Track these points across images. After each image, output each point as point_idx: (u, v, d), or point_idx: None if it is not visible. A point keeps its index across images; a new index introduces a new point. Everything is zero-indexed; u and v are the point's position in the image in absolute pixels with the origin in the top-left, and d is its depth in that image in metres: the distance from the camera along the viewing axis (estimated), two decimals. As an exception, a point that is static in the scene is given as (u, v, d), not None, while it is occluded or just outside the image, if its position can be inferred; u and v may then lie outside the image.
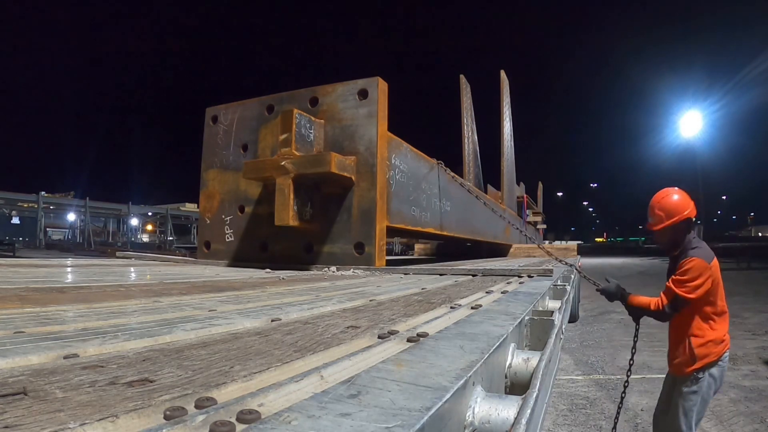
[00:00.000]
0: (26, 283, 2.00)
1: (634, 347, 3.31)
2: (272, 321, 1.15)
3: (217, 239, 4.67)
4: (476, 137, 10.91)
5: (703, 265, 2.67)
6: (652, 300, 2.85)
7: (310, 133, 3.90)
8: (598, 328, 8.21)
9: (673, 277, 2.77)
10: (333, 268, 3.68)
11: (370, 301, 1.65)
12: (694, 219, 2.82)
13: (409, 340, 0.90)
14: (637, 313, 2.98)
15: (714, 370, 2.75)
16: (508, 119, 13.68)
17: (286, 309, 1.38)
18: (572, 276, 3.71)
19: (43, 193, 35.29)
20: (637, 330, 3.28)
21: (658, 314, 2.83)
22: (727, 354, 2.80)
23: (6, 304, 1.31)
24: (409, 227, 4.68)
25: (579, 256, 10.25)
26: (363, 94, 3.97)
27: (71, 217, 40.18)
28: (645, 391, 4.80)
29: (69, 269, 3.25)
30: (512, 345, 1.08)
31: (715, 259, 2.78)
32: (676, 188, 2.92)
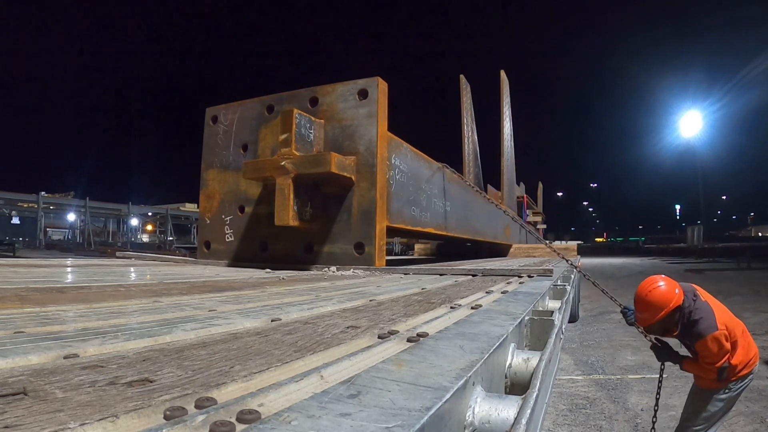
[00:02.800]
0: (26, 283, 2.00)
1: (658, 392, 3.36)
2: (272, 321, 1.15)
3: (217, 239, 4.67)
4: (476, 137, 10.91)
5: (716, 336, 2.73)
6: (705, 371, 2.91)
7: (310, 133, 3.90)
8: (598, 328, 8.21)
9: (704, 363, 2.84)
10: (333, 268, 3.68)
11: (370, 301, 1.65)
12: (680, 308, 2.88)
13: (409, 340, 0.90)
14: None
15: (744, 381, 2.85)
16: (508, 119, 13.68)
17: (286, 309, 1.38)
18: (572, 276, 3.72)
19: (43, 193, 35.28)
20: (661, 372, 3.34)
21: (713, 382, 2.92)
22: (756, 367, 2.89)
23: (6, 304, 1.31)
24: (409, 227, 4.68)
25: (579, 256, 10.26)
26: (363, 94, 3.97)
27: (71, 217, 40.16)
28: (645, 391, 4.80)
29: (69, 269, 3.25)
30: (512, 345, 1.08)
31: (716, 310, 2.83)
32: (660, 278, 2.99)
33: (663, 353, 3.13)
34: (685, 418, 3.03)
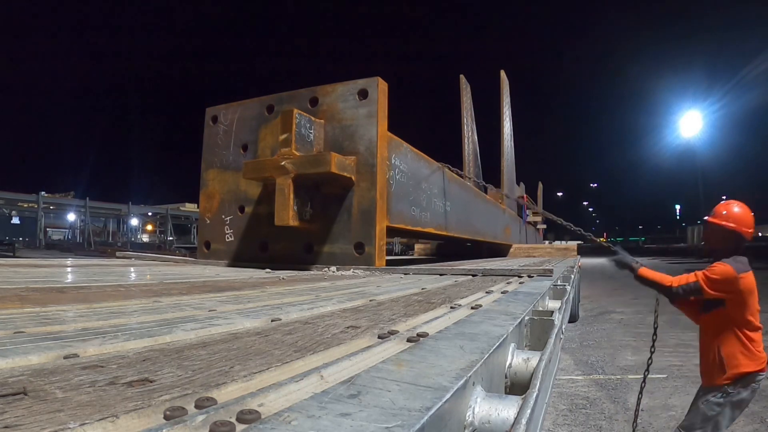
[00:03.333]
0: (26, 283, 2.00)
1: (654, 333, 3.29)
2: (272, 321, 1.15)
3: (217, 239, 4.67)
4: (476, 137, 10.92)
5: (730, 273, 2.72)
6: (666, 277, 2.92)
7: (310, 133, 3.90)
8: (598, 328, 8.21)
9: (704, 270, 2.84)
10: (333, 268, 3.68)
11: (370, 301, 1.65)
12: (745, 241, 2.88)
13: (409, 340, 0.90)
14: (646, 284, 3.02)
15: (745, 390, 2.73)
16: (508, 119, 13.68)
17: (286, 309, 1.38)
18: (572, 276, 3.72)
19: (43, 193, 35.28)
20: (656, 318, 3.27)
21: (667, 291, 2.90)
22: (762, 376, 2.76)
23: (6, 304, 1.31)
24: (409, 227, 4.68)
25: (579, 256, 10.26)
26: (363, 94, 3.97)
27: (71, 217, 40.19)
28: (645, 391, 4.80)
29: (69, 269, 3.25)
30: (512, 345, 1.08)
31: (751, 273, 2.80)
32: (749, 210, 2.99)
33: (621, 261, 3.11)
34: (683, 420, 3.02)
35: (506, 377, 1.01)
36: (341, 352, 0.82)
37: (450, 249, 11.63)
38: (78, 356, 0.72)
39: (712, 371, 2.84)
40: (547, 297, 2.20)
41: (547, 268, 3.23)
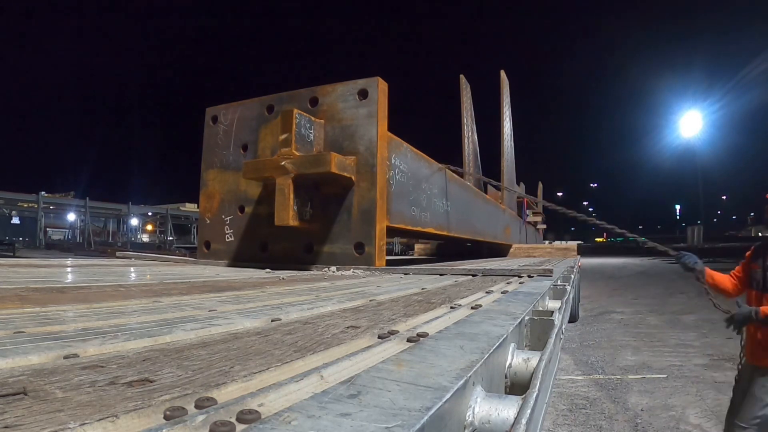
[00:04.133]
0: (26, 283, 2.00)
1: (742, 351, 3.18)
2: (272, 321, 1.15)
3: (217, 239, 4.67)
4: (476, 137, 10.92)
5: None
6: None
7: (310, 133, 3.90)
8: (598, 328, 8.22)
9: None
10: (333, 268, 3.68)
11: (370, 301, 1.65)
12: None
13: (409, 340, 0.90)
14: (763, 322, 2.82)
15: None
16: (508, 119, 13.68)
17: (286, 309, 1.38)
18: (572, 276, 3.71)
19: (43, 193, 35.29)
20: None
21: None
22: None
23: (6, 304, 1.31)
24: (409, 227, 4.68)
25: (579, 257, 10.26)
26: (363, 94, 3.97)
27: (71, 217, 40.21)
28: (645, 391, 4.81)
29: (69, 269, 3.25)
30: (512, 345, 1.08)
31: None
32: None
33: (745, 316, 2.89)
34: (732, 412, 2.89)
35: (506, 377, 1.01)
36: (341, 352, 0.82)
37: (450, 249, 11.63)
38: (78, 356, 0.72)
39: None
40: (547, 297, 2.20)
41: (547, 268, 3.23)
